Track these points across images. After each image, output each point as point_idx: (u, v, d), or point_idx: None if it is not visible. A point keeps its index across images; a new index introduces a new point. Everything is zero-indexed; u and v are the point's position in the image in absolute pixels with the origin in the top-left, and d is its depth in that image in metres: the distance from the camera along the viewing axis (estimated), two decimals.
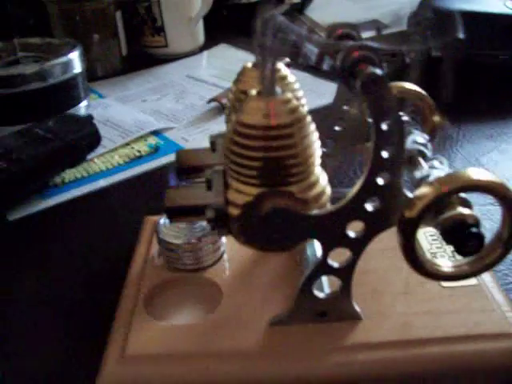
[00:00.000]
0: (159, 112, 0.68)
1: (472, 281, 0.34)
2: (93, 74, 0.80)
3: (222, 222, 0.29)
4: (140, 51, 0.89)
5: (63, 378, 0.33)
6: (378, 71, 0.25)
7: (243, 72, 0.32)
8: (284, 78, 0.32)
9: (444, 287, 0.34)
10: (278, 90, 0.28)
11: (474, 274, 0.29)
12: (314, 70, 0.76)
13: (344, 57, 0.26)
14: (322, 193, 0.29)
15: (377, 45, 0.26)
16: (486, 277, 0.35)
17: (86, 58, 0.71)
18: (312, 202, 0.28)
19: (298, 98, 0.31)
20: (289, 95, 0.27)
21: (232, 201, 0.28)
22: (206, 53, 0.91)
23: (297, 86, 0.33)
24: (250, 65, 0.32)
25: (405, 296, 0.34)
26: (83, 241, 0.46)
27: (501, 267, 0.39)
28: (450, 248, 0.37)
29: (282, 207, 0.27)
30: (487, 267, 0.28)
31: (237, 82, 0.33)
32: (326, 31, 0.32)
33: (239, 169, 0.28)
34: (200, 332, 0.33)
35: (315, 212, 0.28)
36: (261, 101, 0.27)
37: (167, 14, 0.85)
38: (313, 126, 0.29)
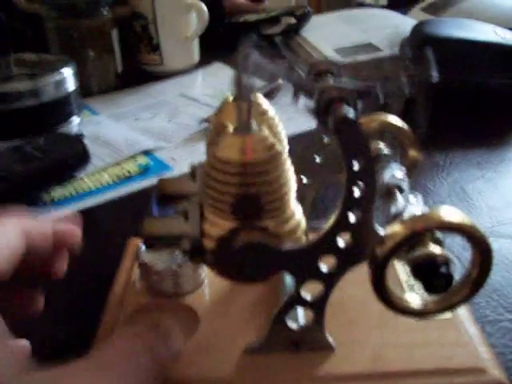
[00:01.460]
0: (151, 131, 0.69)
1: (447, 314, 0.35)
2: (87, 89, 0.80)
3: (197, 253, 0.29)
4: (135, 68, 0.90)
5: None
6: (351, 113, 0.25)
7: (224, 104, 0.33)
8: (264, 113, 0.32)
9: (418, 320, 0.34)
10: (255, 126, 0.28)
11: (440, 312, 0.29)
12: None
13: (319, 96, 0.27)
14: (297, 227, 0.30)
15: (351, 84, 0.27)
16: (461, 310, 0.35)
17: (81, 73, 0.72)
18: (286, 236, 0.29)
19: (275, 134, 0.31)
20: (265, 132, 0.28)
21: (207, 233, 0.29)
22: (200, 71, 0.91)
23: (276, 121, 0.33)
24: (230, 97, 0.33)
25: (379, 328, 0.34)
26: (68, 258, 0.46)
27: (478, 299, 0.39)
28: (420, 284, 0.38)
29: (255, 242, 0.28)
30: (453, 306, 0.29)
31: (217, 114, 0.33)
32: (307, 67, 0.33)
33: (214, 203, 0.28)
34: None
35: (288, 246, 0.29)
36: (237, 137, 0.28)
37: (163, 32, 0.86)
38: (289, 163, 0.29)
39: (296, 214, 0.30)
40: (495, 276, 0.42)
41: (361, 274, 0.31)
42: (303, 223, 0.30)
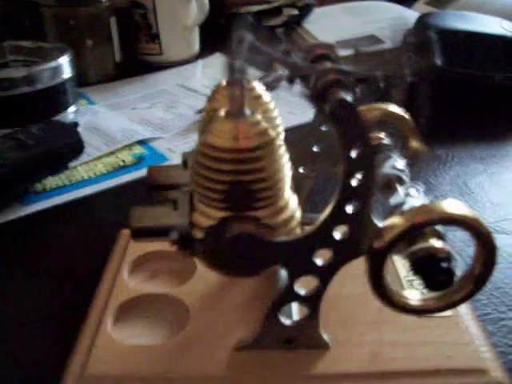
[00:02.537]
0: (148, 121, 0.68)
1: (447, 312, 0.33)
2: (85, 79, 0.79)
3: (186, 245, 0.28)
4: (134, 58, 0.89)
5: None
6: (348, 97, 0.24)
7: (217, 90, 0.31)
8: (258, 97, 0.31)
9: (418, 318, 0.33)
10: (248, 111, 0.27)
11: (440, 310, 0.28)
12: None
13: (315, 80, 0.26)
14: (291, 218, 0.28)
15: (349, 68, 0.26)
16: (462, 308, 0.34)
17: (79, 63, 0.70)
18: (279, 227, 0.27)
19: (270, 119, 0.30)
20: (258, 117, 0.27)
21: (197, 223, 0.28)
22: (200, 62, 0.90)
23: (271, 105, 0.32)
24: (223, 82, 0.31)
25: (377, 325, 0.33)
26: (61, 249, 0.45)
27: (480, 297, 0.38)
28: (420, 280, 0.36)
29: (246, 233, 0.26)
30: (455, 304, 0.27)
31: (210, 100, 0.32)
32: (303, 51, 0.31)
33: (205, 191, 0.27)
34: (164, 354, 0.32)
35: (282, 238, 0.27)
36: (229, 122, 0.26)
37: (163, 21, 0.85)
38: (283, 149, 0.28)
39: (290, 204, 0.28)
40: (497, 273, 0.40)
41: (357, 269, 0.29)
42: (298, 214, 0.29)
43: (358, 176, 0.26)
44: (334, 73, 0.25)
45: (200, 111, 0.67)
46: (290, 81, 0.26)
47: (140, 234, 0.29)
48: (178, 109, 0.71)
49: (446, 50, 0.65)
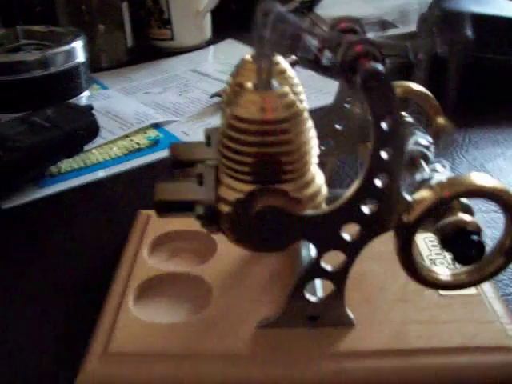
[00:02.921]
0: (161, 105, 0.67)
1: (471, 290, 0.33)
2: (97, 64, 0.79)
3: (211, 220, 0.28)
4: (146, 44, 0.88)
5: (45, 373, 0.32)
6: (380, 66, 0.24)
7: (242, 65, 0.31)
8: (283, 71, 0.31)
9: (442, 296, 0.33)
10: (275, 83, 0.27)
11: (472, 284, 0.27)
12: (319, 68, 0.75)
13: (345, 51, 0.25)
14: (318, 192, 0.28)
15: (380, 40, 0.25)
16: (486, 286, 0.34)
17: (91, 48, 0.70)
18: (306, 201, 0.27)
19: (296, 93, 0.30)
20: (286, 89, 0.26)
21: (223, 197, 0.27)
22: (212, 47, 0.89)
23: (296, 80, 0.31)
24: (248, 57, 0.31)
25: (401, 303, 0.33)
26: (77, 231, 0.45)
27: (502, 277, 0.37)
28: (450, 255, 0.36)
29: (274, 206, 0.26)
30: (487, 277, 0.27)
31: (235, 74, 0.31)
32: (328, 25, 0.31)
33: (232, 164, 0.27)
34: (186, 332, 0.31)
35: (309, 212, 0.27)
36: (256, 94, 0.26)
37: (174, 6, 0.84)
38: (310, 123, 0.27)
39: (317, 179, 0.28)
40: None
41: (380, 247, 0.29)
42: (324, 190, 0.29)
43: (388, 149, 0.25)
44: (364, 44, 0.25)
45: (214, 95, 0.66)
46: (319, 52, 0.26)
47: (164, 208, 0.29)
48: (191, 93, 0.71)
49: (461, 34, 0.65)
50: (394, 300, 0.33)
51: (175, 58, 0.85)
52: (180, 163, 0.32)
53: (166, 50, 0.87)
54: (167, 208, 0.29)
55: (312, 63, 0.69)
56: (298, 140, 0.26)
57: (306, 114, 0.27)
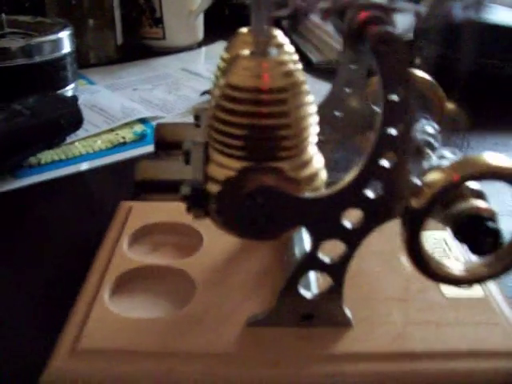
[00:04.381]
0: (150, 101, 0.65)
1: (478, 293, 0.31)
2: (85, 60, 0.76)
3: (198, 201, 0.25)
4: (136, 42, 0.86)
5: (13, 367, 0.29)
6: (391, 29, 0.21)
7: (237, 37, 0.29)
8: (281, 45, 0.28)
9: (447, 298, 0.30)
10: (273, 50, 0.24)
11: (492, 276, 0.25)
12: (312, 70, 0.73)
13: (353, 16, 0.23)
14: (316, 175, 0.25)
15: (391, 4, 0.23)
16: (492, 288, 0.31)
17: (80, 44, 0.68)
18: (304, 183, 0.24)
19: (295, 62, 0.27)
20: (285, 57, 0.24)
21: (212, 176, 0.24)
22: (204, 48, 0.87)
23: (295, 56, 0.29)
24: (244, 29, 0.29)
25: (402, 303, 0.30)
26: (55, 223, 0.43)
27: (508, 279, 0.35)
28: (453, 254, 0.34)
29: (268, 185, 0.23)
30: (507, 268, 0.24)
31: (229, 47, 0.29)
32: None
33: (223, 138, 0.24)
34: (166, 328, 0.29)
35: (307, 195, 0.24)
36: (252, 60, 0.23)
37: (167, 5, 0.82)
38: (311, 98, 0.25)
39: (316, 160, 0.25)
40: None
41: (379, 242, 0.27)
42: (324, 174, 0.26)
43: (397, 125, 0.23)
44: (375, 7, 0.22)
45: (204, 92, 0.64)
46: (325, 16, 0.23)
47: (147, 188, 0.26)
48: (181, 91, 0.69)
49: (461, 40, 0.63)
50: (394, 299, 0.30)
51: (166, 57, 0.83)
52: (165, 144, 0.30)
53: (156, 49, 0.85)
54: (150, 188, 0.26)
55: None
56: (296, 113, 0.24)
57: (306, 87, 0.24)
